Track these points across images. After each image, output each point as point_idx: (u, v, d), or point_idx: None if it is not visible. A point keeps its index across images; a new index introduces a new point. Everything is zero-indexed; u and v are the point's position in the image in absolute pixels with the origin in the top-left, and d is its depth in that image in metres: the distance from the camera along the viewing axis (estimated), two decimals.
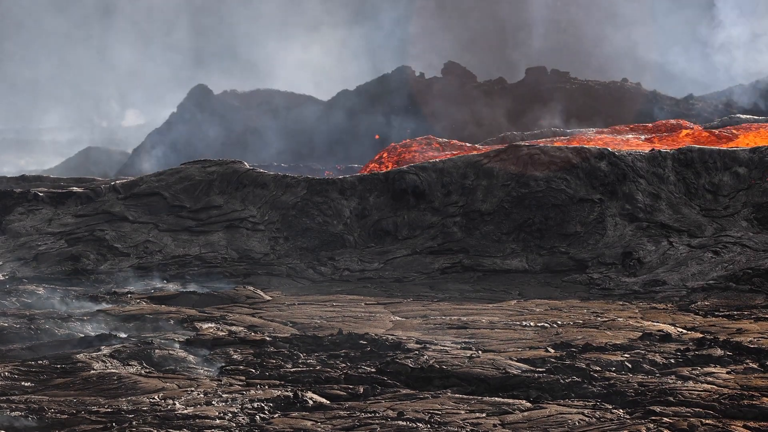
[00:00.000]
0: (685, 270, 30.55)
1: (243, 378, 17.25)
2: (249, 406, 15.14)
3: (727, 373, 16.67)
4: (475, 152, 40.01)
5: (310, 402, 15.34)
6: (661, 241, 32.64)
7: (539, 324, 22.51)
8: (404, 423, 14.09)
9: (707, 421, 13.76)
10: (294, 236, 35.39)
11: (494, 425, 14.01)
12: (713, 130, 44.72)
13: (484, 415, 14.55)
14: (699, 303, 26.41)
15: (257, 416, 14.63)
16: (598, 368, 17.24)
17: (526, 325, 22.36)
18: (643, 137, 44.22)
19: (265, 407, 15.12)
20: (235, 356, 18.95)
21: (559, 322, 22.83)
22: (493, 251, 33.65)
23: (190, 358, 18.64)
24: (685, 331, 21.57)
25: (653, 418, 14.01)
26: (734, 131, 43.68)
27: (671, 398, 15.03)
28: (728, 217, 33.72)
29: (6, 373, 17.06)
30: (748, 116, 57.49)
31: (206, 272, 33.26)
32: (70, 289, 29.31)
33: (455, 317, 23.85)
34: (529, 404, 15.10)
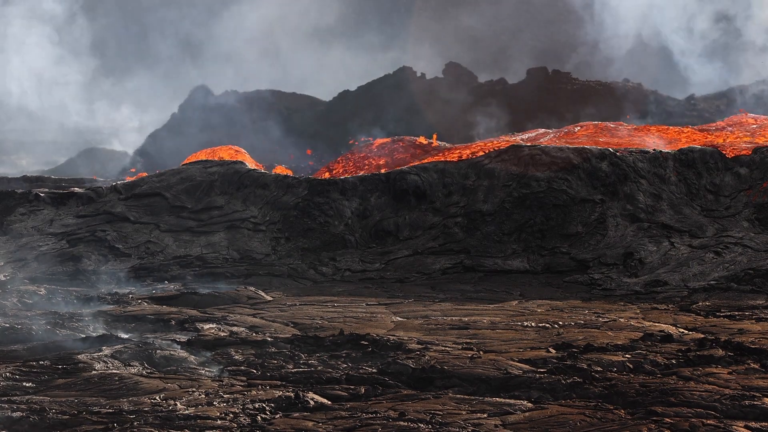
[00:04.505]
0: (686, 270, 30.54)
1: (244, 378, 17.25)
2: (250, 406, 15.14)
3: (729, 373, 16.66)
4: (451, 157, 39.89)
5: (312, 402, 15.34)
6: (663, 241, 32.63)
7: (540, 324, 22.50)
8: (405, 423, 14.09)
9: (708, 422, 13.76)
10: (295, 237, 35.38)
11: (495, 426, 14.01)
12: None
13: (485, 415, 14.55)
14: (700, 303, 26.40)
15: (258, 417, 14.63)
16: (599, 369, 17.24)
17: (527, 326, 22.35)
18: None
19: (267, 408, 15.12)
20: (236, 357, 18.95)
21: (561, 323, 22.82)
22: (495, 252, 33.64)
23: (192, 358, 18.64)
24: (686, 331, 21.56)
25: (655, 418, 14.01)
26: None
27: (672, 399, 15.03)
28: (729, 217, 33.72)
29: (7, 374, 17.07)
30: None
31: (207, 273, 33.26)
32: (72, 290, 29.32)
33: (456, 318, 23.85)
34: (530, 405, 15.10)
